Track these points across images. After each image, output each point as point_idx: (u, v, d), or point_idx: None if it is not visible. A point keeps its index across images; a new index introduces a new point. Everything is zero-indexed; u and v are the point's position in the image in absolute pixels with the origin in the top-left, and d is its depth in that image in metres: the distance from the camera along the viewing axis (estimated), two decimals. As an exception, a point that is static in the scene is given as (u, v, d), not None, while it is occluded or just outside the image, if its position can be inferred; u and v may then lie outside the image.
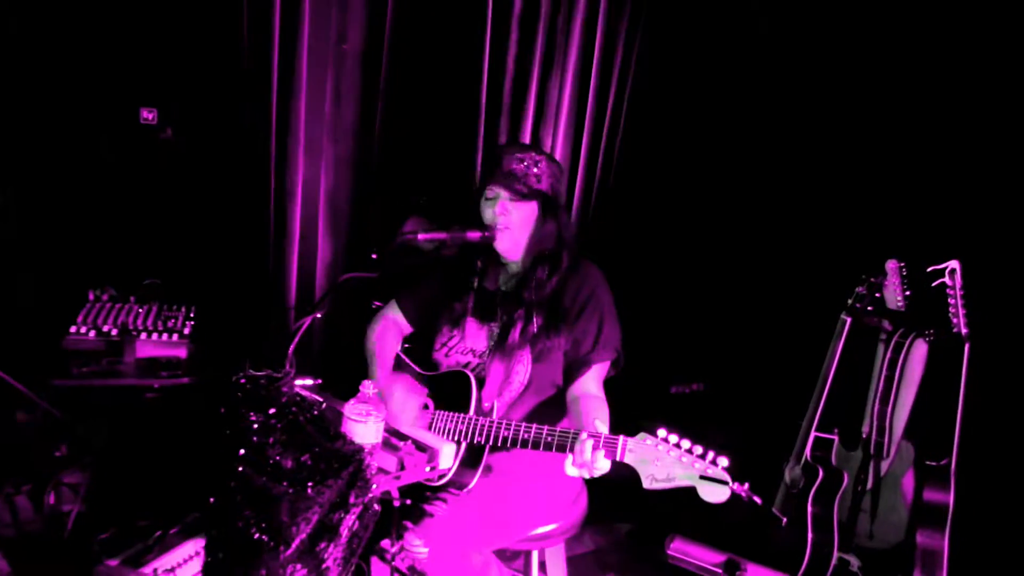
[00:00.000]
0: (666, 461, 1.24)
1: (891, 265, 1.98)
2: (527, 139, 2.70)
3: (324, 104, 2.35)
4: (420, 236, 1.57)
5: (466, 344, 1.72)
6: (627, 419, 1.39)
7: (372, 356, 1.75)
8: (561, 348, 1.64)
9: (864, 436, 2.05)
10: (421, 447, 1.29)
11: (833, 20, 2.54)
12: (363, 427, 1.21)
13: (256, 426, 1.14)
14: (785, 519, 2.03)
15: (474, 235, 1.63)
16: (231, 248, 2.25)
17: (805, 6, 2.60)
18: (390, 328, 1.82)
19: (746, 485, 1.21)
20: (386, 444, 1.26)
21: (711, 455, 1.22)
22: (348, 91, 2.38)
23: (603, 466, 1.32)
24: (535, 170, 1.64)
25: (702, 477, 1.20)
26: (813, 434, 2.03)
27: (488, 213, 1.66)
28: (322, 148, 2.39)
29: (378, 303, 1.97)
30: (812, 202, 2.57)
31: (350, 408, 1.23)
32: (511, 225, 1.66)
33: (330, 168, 2.43)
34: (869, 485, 2.02)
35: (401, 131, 2.46)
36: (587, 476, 1.33)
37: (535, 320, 1.64)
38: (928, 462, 1.92)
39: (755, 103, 2.75)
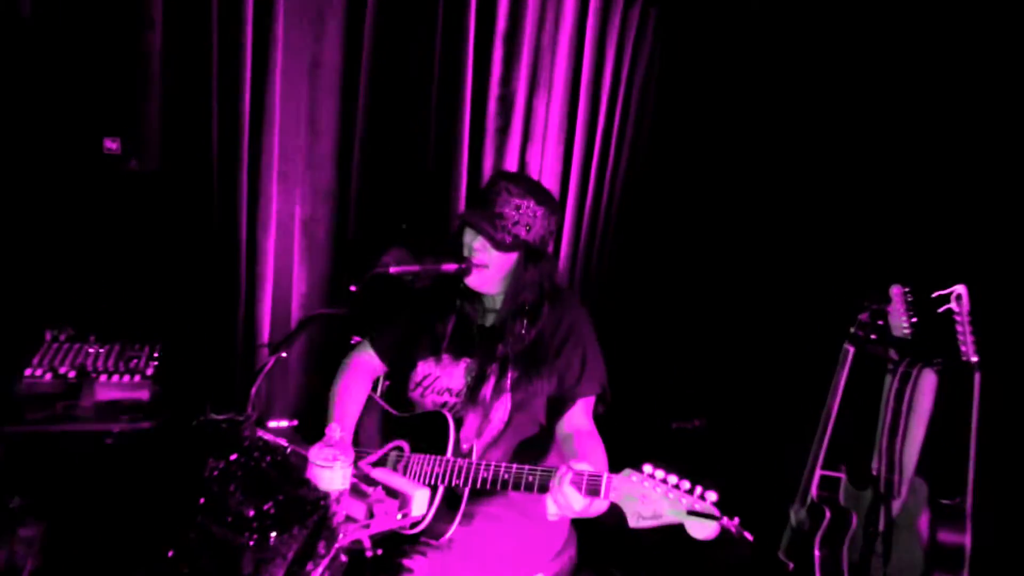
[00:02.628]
0: (652, 497, 1.25)
1: (895, 291, 1.98)
2: (514, 163, 2.75)
3: (299, 131, 2.40)
4: (392, 269, 1.60)
5: (442, 383, 1.74)
6: (626, 457, 1.41)
7: (331, 406, 1.76)
8: (543, 392, 1.66)
9: (874, 473, 2.02)
10: (392, 493, 1.30)
11: (836, 39, 2.57)
12: (329, 473, 1.23)
13: (216, 473, 1.16)
14: (791, 564, 2.03)
15: (449, 267, 1.66)
16: (199, 282, 2.28)
17: (808, 21, 2.64)
18: (360, 371, 1.83)
19: (736, 520, 1.22)
20: (354, 490, 1.27)
21: (699, 490, 1.24)
22: (324, 117, 2.43)
23: (580, 505, 1.34)
24: (528, 221, 1.64)
25: (690, 512, 1.21)
26: (818, 472, 2.02)
27: (465, 244, 1.69)
28: (297, 176, 2.43)
29: (357, 338, 2.00)
30: (811, 227, 2.60)
31: (315, 453, 1.24)
32: (486, 263, 1.67)
33: (306, 197, 2.47)
34: (881, 526, 1.99)
35: (381, 157, 2.51)
36: (570, 516, 1.35)
37: (509, 375, 1.66)
38: (942, 500, 1.90)
39: (754, 125, 2.79)
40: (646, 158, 2.99)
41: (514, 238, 1.63)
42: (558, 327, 1.68)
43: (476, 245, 1.66)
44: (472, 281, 1.69)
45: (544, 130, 2.80)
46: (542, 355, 1.66)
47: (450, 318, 1.76)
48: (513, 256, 1.66)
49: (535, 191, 1.68)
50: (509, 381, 1.65)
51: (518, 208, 1.63)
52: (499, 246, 1.63)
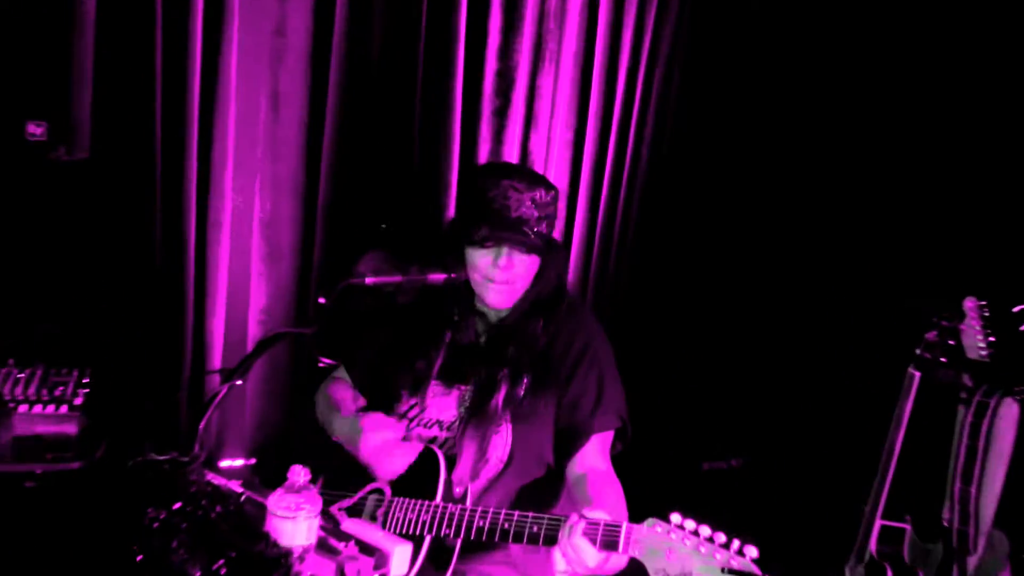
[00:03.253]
0: (681, 552, 1.25)
1: (969, 304, 1.98)
2: (514, 151, 2.76)
3: (259, 112, 2.41)
4: (369, 280, 1.61)
5: (430, 415, 1.76)
6: (649, 504, 1.43)
7: (330, 410, 1.81)
8: (551, 415, 1.68)
9: (944, 524, 2.02)
10: (368, 548, 1.30)
11: (911, 20, 2.58)
12: (291, 525, 1.22)
13: (156, 525, 1.16)
14: (846, 632, 2.07)
15: (436, 277, 1.67)
16: (138, 293, 2.27)
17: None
18: (345, 386, 1.89)
19: None
20: (322, 546, 1.27)
21: (736, 543, 1.24)
22: (290, 94, 2.44)
23: (594, 561, 1.33)
24: (547, 212, 1.69)
25: (725, 571, 1.21)
26: (879, 523, 2.03)
27: (482, 263, 1.70)
28: (256, 167, 2.44)
29: (327, 360, 2.01)
30: (869, 230, 2.61)
31: (275, 501, 1.24)
32: (514, 280, 1.71)
33: (267, 191, 2.48)
34: (953, 587, 2.01)
35: (356, 143, 2.52)
36: (582, 573, 1.35)
37: (524, 381, 1.69)
38: (1027, 556, 1.94)
39: (801, 114, 2.79)
40: (672, 148, 3.00)
41: (543, 239, 1.69)
42: (570, 345, 1.71)
43: (502, 264, 1.69)
44: (494, 299, 1.73)
45: (551, 113, 2.81)
46: (552, 373, 1.69)
47: (442, 339, 1.79)
48: (536, 257, 1.72)
49: (537, 178, 1.74)
50: (523, 389, 1.68)
51: (534, 203, 1.67)
52: (530, 249, 1.68)
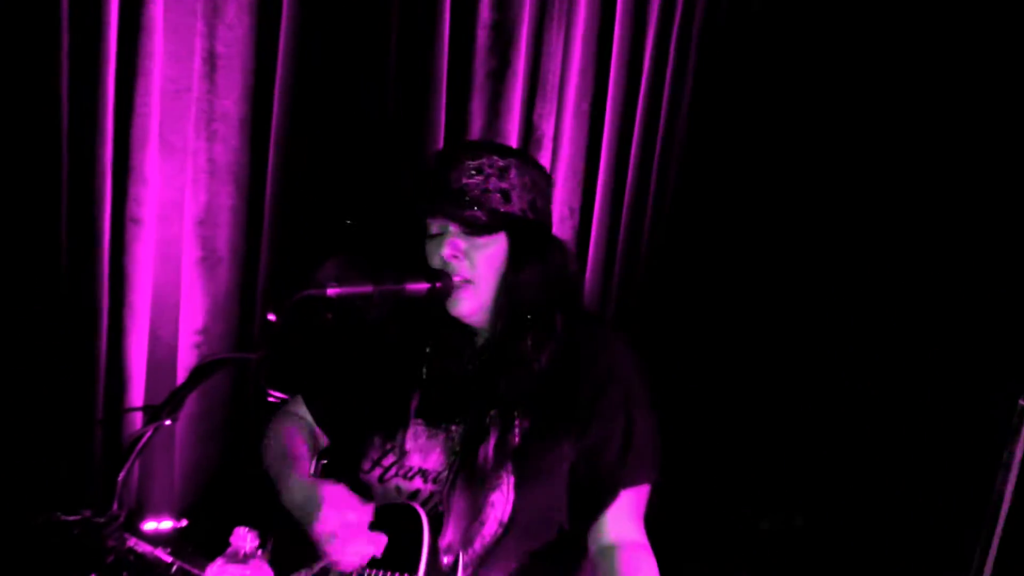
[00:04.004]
0: None
1: None
2: (513, 125, 2.77)
3: (191, 77, 2.41)
4: (332, 291, 1.60)
5: (411, 462, 1.75)
6: (698, 570, 1.41)
7: (282, 462, 1.81)
8: (564, 465, 1.67)
9: None
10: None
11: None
12: (236, 605, 1.22)
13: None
14: None
15: (417, 287, 1.68)
16: (36, 310, 2.24)
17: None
18: (300, 427, 1.90)
19: None
20: (274, 631, 1.27)
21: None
22: (231, 56, 2.46)
23: None
24: (499, 183, 1.73)
25: None
26: (985, 594, 2.05)
27: (435, 257, 1.74)
28: (189, 147, 2.45)
29: (277, 395, 2.01)
30: (964, 232, 2.65)
31: (215, 574, 1.23)
32: (470, 274, 1.73)
33: (202, 178, 2.49)
34: None
35: (314, 115, 2.52)
36: None
37: (518, 424, 1.68)
38: None
39: (885, 93, 2.86)
40: (717, 128, 3.03)
41: (490, 213, 1.71)
42: (589, 373, 1.71)
43: (446, 252, 1.72)
44: (457, 306, 1.74)
45: (561, 79, 2.83)
46: (565, 408, 1.69)
47: (423, 366, 1.81)
48: (499, 244, 1.74)
49: (500, 148, 1.80)
50: (518, 435, 1.68)
51: (478, 171, 1.72)
52: (474, 227, 1.71)
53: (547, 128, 2.84)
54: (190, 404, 2.40)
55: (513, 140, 2.82)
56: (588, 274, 3.00)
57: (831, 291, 2.92)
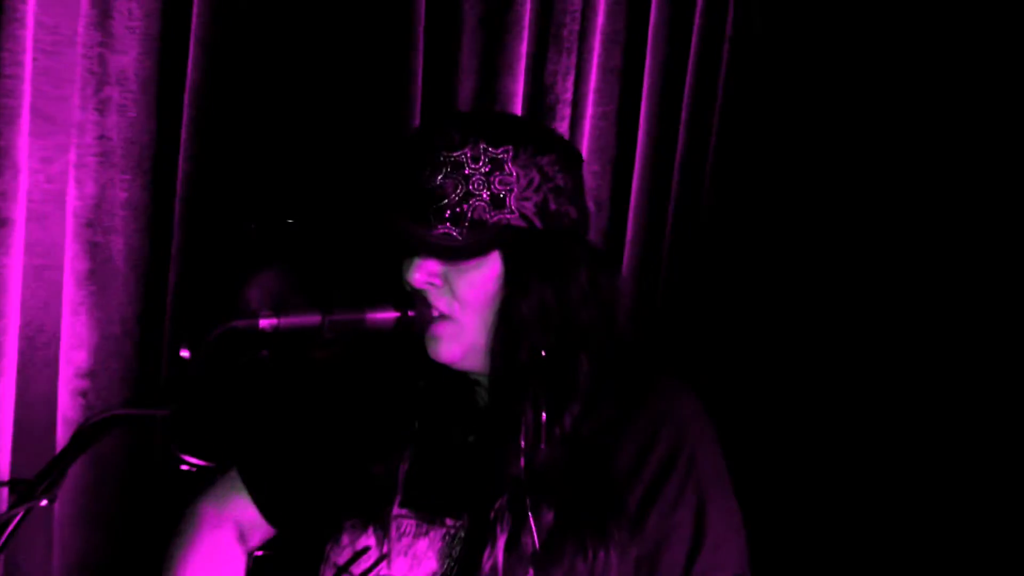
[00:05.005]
0: None
1: None
2: (517, 89, 2.79)
3: (76, 28, 2.42)
4: (266, 321, 1.60)
5: (396, 570, 1.74)
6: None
7: None
8: (611, 572, 1.64)
9: None
10: None
11: None
12: None
13: None
14: None
15: (382, 316, 1.69)
16: None
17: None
18: (218, 547, 1.90)
19: None
20: None
21: None
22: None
23: None
24: (488, 181, 1.70)
25: None
26: None
27: (407, 275, 1.74)
28: (73, 123, 2.46)
29: (193, 461, 2.00)
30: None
31: None
32: (448, 307, 1.74)
33: (90, 165, 2.49)
34: None
35: (249, 75, 2.55)
36: None
37: (530, 517, 1.65)
38: None
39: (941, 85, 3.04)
40: (788, 101, 3.08)
41: (472, 228, 1.69)
42: (647, 447, 1.71)
43: (416, 277, 1.72)
44: (435, 348, 1.75)
45: (582, 24, 2.85)
46: (610, 492, 1.69)
47: (408, 433, 1.83)
48: (489, 265, 1.74)
49: (496, 124, 1.79)
50: (535, 537, 1.66)
51: (459, 165, 1.70)
52: (450, 252, 1.70)
53: (564, 91, 2.86)
54: (73, 477, 2.38)
55: (517, 107, 2.83)
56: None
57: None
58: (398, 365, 1.85)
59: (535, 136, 1.77)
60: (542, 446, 1.69)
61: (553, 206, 1.74)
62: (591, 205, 2.95)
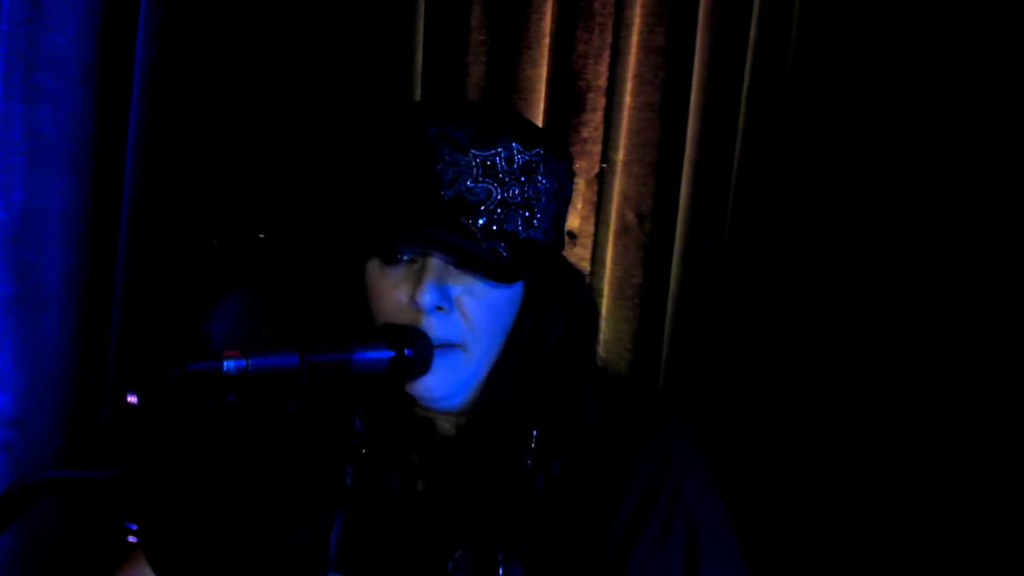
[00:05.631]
0: None
1: None
2: (538, 75, 2.82)
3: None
4: (230, 362, 1.58)
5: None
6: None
7: None
8: None
9: None
10: None
11: None
12: None
13: None
14: None
15: (374, 356, 1.67)
16: None
17: None
18: None
19: None
20: None
21: None
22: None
23: None
24: (523, 191, 1.73)
25: None
26: None
27: (390, 298, 1.76)
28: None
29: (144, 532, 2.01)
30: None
31: None
32: (461, 334, 1.75)
33: (18, 164, 2.49)
34: None
35: (209, 57, 2.58)
36: None
37: (502, 571, 1.70)
38: None
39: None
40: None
41: (512, 239, 1.72)
42: (624, 477, 1.74)
43: (425, 298, 1.71)
44: (430, 384, 1.75)
45: (617, 2, 2.90)
46: (581, 538, 1.72)
47: (343, 483, 1.85)
48: (516, 288, 1.78)
49: (520, 121, 1.85)
50: None
51: (493, 170, 1.72)
52: (494, 272, 1.73)
53: (597, 76, 2.88)
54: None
55: (540, 97, 2.85)
56: (668, 319, 3.01)
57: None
58: (323, 398, 1.84)
59: (554, 136, 1.82)
60: (514, 489, 1.73)
61: (563, 218, 1.82)
62: (630, 217, 3.00)
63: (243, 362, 1.59)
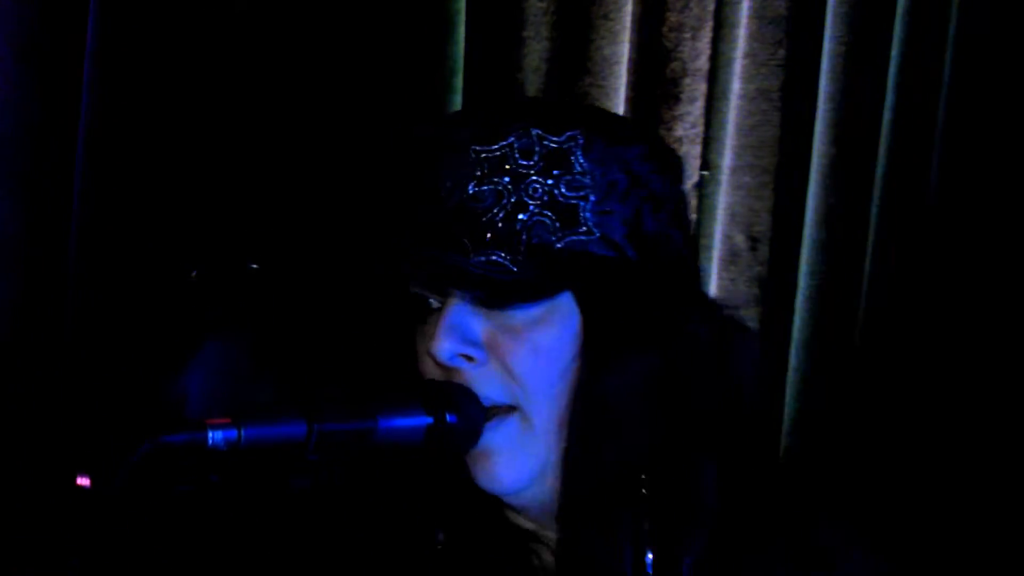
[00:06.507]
0: None
1: None
2: (619, 53, 2.82)
3: None
4: (215, 434, 1.58)
5: None
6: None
7: None
8: None
9: None
10: None
11: None
12: None
13: None
14: None
15: (407, 424, 1.67)
16: None
17: None
18: None
19: None
20: None
21: None
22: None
23: None
24: (548, 183, 1.74)
25: None
26: None
27: (423, 354, 1.81)
28: None
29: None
30: None
31: None
32: (507, 394, 1.77)
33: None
34: None
35: (186, 34, 2.63)
36: None
37: None
38: None
39: None
40: None
41: (533, 250, 1.73)
42: None
43: (442, 348, 1.75)
44: (491, 469, 1.79)
45: None
46: None
47: None
48: (562, 319, 1.79)
49: (551, 105, 1.95)
50: None
51: (507, 161, 1.75)
52: (500, 292, 1.75)
53: (695, 56, 2.87)
54: None
55: (620, 82, 2.86)
56: (791, 373, 2.98)
57: None
58: (393, 497, 1.89)
59: (611, 119, 1.81)
60: None
61: (651, 224, 1.78)
62: (740, 241, 2.99)
63: (234, 432, 1.58)
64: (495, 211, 1.71)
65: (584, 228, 1.73)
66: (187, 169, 2.65)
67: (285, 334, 2.27)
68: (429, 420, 1.67)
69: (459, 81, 2.73)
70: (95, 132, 2.56)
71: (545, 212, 1.72)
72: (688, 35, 2.87)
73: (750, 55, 2.90)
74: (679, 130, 2.77)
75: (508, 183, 1.72)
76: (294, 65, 2.76)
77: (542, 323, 1.74)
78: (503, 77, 2.78)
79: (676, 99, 2.88)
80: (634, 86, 2.85)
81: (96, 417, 2.48)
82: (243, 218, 2.66)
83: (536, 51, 2.79)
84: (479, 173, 1.72)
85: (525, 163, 1.72)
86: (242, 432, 1.58)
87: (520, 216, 1.71)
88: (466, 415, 1.70)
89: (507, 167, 1.72)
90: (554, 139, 1.74)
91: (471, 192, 1.71)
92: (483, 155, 1.73)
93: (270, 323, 2.37)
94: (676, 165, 1.85)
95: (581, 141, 1.75)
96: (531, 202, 1.71)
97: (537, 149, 1.73)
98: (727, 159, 2.93)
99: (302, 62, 2.77)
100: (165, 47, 2.64)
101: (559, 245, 1.72)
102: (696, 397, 1.80)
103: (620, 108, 2.81)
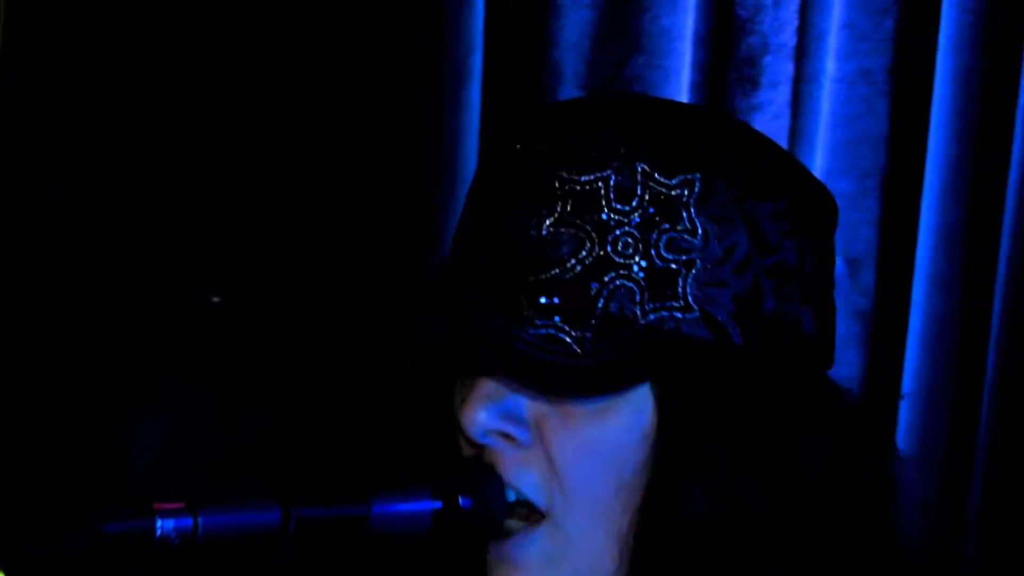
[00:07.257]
0: None
1: None
2: (682, 44, 2.84)
3: None
4: (165, 522, 1.58)
5: None
6: None
7: None
8: None
9: None
10: None
11: None
12: None
13: None
14: None
15: (411, 508, 1.67)
16: None
17: None
18: None
19: None
20: None
21: None
22: None
23: None
24: (651, 232, 1.71)
25: None
26: None
27: (460, 425, 1.80)
28: None
29: None
30: None
31: None
32: (545, 498, 1.77)
33: None
34: None
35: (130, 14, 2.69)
36: None
37: None
38: None
39: None
40: None
41: (609, 324, 1.71)
42: None
43: (478, 415, 1.77)
44: None
45: None
46: None
47: None
48: (636, 417, 1.79)
49: (665, 124, 1.85)
50: None
51: (600, 202, 1.72)
52: (558, 379, 1.74)
53: (778, 30, 2.92)
54: None
55: (681, 66, 2.87)
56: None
57: None
58: None
59: (749, 154, 1.75)
60: None
61: (771, 303, 1.75)
62: (841, 264, 2.99)
63: (188, 520, 1.58)
64: (570, 263, 1.69)
65: (680, 303, 1.71)
66: (128, 180, 2.68)
67: (254, 385, 2.26)
68: (435, 504, 1.67)
69: (476, 62, 2.72)
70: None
71: (632, 275, 1.69)
72: (771, 6, 2.88)
73: (849, 26, 2.92)
74: (757, 123, 2.75)
75: (593, 231, 1.68)
76: (284, 53, 2.83)
77: (605, 414, 1.74)
78: (532, 57, 2.76)
79: (754, 83, 2.90)
80: (700, 67, 2.86)
81: (16, 502, 2.51)
82: (202, 243, 2.69)
83: (575, 22, 2.80)
84: (560, 209, 1.69)
85: (620, 207, 1.69)
86: (199, 520, 1.57)
87: (602, 276, 1.68)
88: (484, 500, 1.70)
89: (597, 208, 1.69)
90: (664, 181, 1.70)
91: (543, 233, 1.69)
92: (567, 186, 1.69)
93: (236, 370, 2.37)
94: (822, 221, 1.81)
95: (699, 189, 1.71)
96: (618, 259, 1.68)
97: (639, 192, 1.70)
98: (819, 159, 2.94)
99: (294, 54, 2.89)
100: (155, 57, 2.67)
101: (643, 321, 1.70)
102: (812, 527, 1.77)
103: (682, 94, 2.82)
